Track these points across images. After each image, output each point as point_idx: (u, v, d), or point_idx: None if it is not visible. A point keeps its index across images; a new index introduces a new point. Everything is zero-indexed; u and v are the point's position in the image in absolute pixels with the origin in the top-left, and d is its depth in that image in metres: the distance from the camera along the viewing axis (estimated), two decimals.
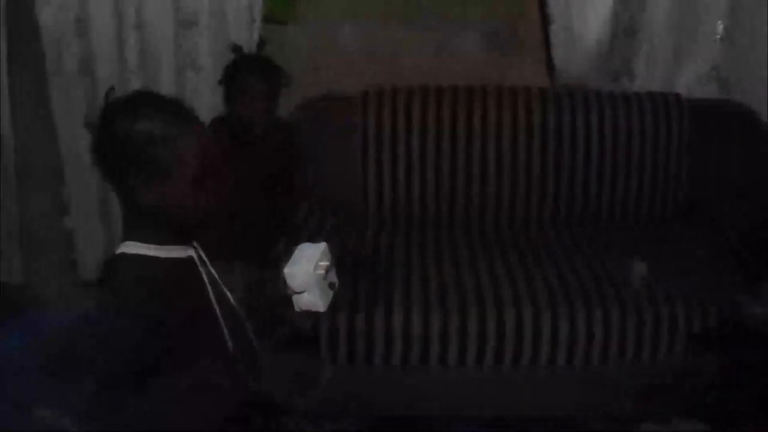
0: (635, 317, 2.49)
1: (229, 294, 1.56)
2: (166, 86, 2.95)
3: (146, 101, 1.41)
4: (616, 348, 2.50)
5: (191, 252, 1.50)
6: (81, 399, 1.35)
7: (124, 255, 1.42)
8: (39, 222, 3.16)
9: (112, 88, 1.43)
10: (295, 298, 1.56)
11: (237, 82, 2.59)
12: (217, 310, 1.50)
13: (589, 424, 2.59)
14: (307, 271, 1.53)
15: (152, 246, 1.42)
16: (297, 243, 1.63)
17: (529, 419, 2.54)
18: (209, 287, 1.50)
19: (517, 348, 2.49)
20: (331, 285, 1.59)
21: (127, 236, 1.43)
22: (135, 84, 2.95)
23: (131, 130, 1.34)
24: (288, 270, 1.54)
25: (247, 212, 2.45)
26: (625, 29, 3.06)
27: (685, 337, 2.50)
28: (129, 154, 1.35)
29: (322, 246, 1.59)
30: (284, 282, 1.54)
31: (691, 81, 3.13)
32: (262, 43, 2.76)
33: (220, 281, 1.55)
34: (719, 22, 3.05)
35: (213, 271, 1.53)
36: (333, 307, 1.61)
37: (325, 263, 1.56)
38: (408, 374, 2.53)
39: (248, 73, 2.59)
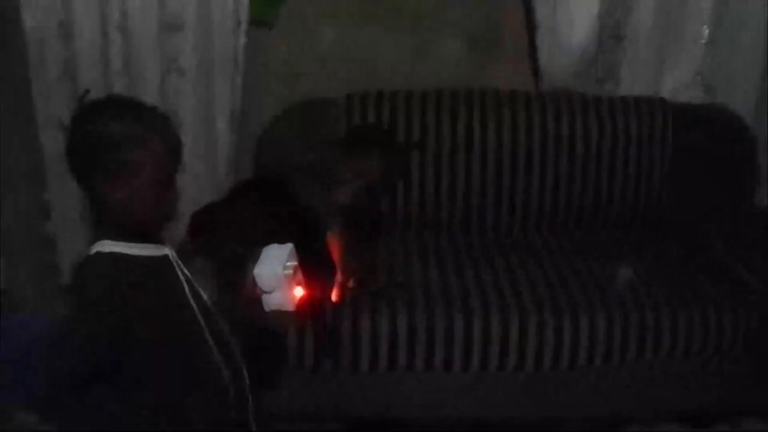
0: (621, 322, 2.49)
1: (203, 293, 1.55)
2: (149, 90, 2.92)
3: (116, 104, 1.44)
4: (603, 352, 2.50)
5: (167, 250, 1.50)
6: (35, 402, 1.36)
7: (98, 254, 1.41)
8: (20, 227, 3.11)
9: (87, 91, 1.46)
10: (264, 297, 1.60)
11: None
12: (196, 309, 1.50)
13: (575, 427, 2.60)
14: (276, 271, 1.57)
15: (127, 244, 1.42)
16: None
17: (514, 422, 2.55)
18: (186, 285, 1.50)
19: (503, 353, 2.48)
20: (298, 284, 1.63)
21: (99, 236, 1.43)
22: (118, 87, 2.91)
23: (97, 131, 1.37)
24: (257, 270, 1.57)
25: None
26: (610, 35, 3.06)
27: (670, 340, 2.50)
28: (95, 153, 1.37)
29: (289, 246, 1.63)
30: (253, 282, 1.58)
31: (676, 86, 3.14)
32: None
33: (193, 281, 1.55)
34: (704, 27, 3.05)
35: (186, 272, 1.53)
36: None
37: (292, 263, 1.60)
38: (393, 379, 2.52)
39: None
